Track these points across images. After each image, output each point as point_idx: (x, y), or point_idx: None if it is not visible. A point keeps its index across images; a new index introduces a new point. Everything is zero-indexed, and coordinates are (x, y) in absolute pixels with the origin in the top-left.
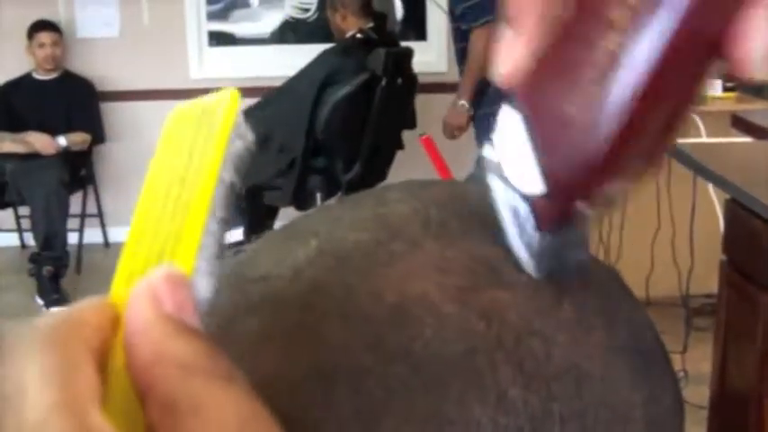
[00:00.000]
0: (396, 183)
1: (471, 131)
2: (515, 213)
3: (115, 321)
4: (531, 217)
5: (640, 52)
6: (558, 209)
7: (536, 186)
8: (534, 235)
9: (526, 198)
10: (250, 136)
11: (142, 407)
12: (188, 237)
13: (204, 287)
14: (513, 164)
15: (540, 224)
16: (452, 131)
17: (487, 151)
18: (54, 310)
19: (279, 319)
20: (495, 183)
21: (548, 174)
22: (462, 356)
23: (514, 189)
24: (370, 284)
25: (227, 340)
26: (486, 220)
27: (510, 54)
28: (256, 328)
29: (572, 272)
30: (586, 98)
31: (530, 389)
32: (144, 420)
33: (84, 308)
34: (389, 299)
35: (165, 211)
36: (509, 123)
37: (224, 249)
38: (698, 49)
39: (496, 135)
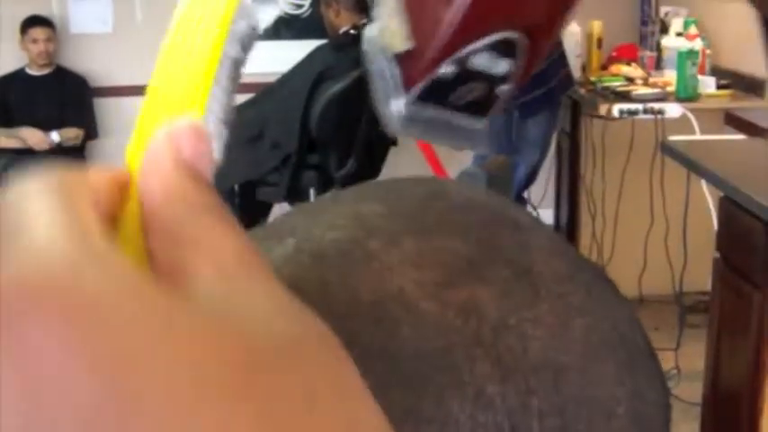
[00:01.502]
0: (376, 181)
1: None
2: (383, 76)
3: (125, 185)
4: (397, 77)
5: None
6: (422, 67)
7: (403, 44)
8: (398, 93)
9: (394, 60)
10: (254, 16)
11: (145, 238)
12: (195, 99)
13: (214, 148)
14: (385, 31)
15: (406, 81)
16: None
17: (368, 29)
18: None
19: None
20: (371, 51)
21: (414, 31)
22: (440, 353)
23: (385, 53)
24: (346, 282)
25: None
26: (464, 217)
27: None
28: None
29: (427, 134)
30: None
31: (507, 384)
32: (145, 249)
33: (93, 170)
34: (366, 297)
35: (175, 82)
36: None
37: (230, 118)
38: None
39: (375, 11)
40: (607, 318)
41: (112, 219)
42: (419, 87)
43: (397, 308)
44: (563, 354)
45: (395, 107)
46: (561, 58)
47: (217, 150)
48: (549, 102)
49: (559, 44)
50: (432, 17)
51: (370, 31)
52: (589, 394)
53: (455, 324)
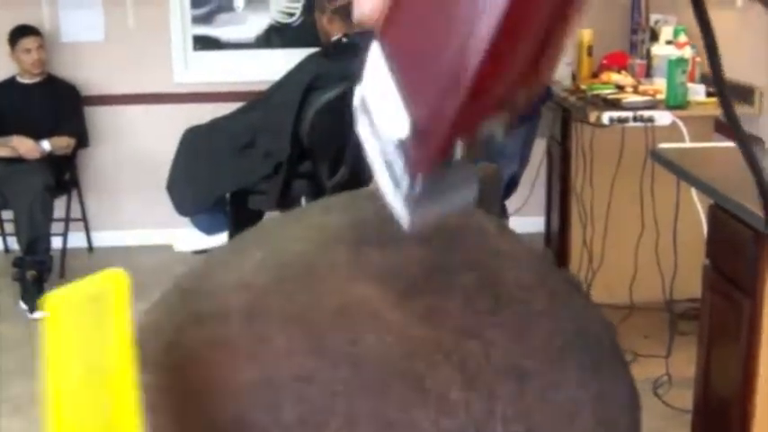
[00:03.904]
0: (342, 193)
1: None
2: (389, 166)
3: None
4: (402, 162)
5: None
6: (432, 147)
7: (403, 128)
8: (407, 182)
9: (397, 144)
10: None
11: None
12: None
13: None
14: (379, 109)
15: (412, 167)
16: None
17: (356, 99)
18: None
19: (224, 329)
20: (364, 133)
21: (414, 112)
22: (402, 359)
23: (384, 137)
24: (310, 291)
25: (177, 351)
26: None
27: None
28: (204, 338)
29: (457, 210)
30: (448, 32)
31: (471, 390)
32: None
33: None
34: (331, 304)
35: (89, 400)
36: (375, 66)
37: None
38: None
39: (365, 80)
40: (571, 322)
41: None
42: (429, 168)
43: (362, 315)
44: (525, 359)
45: (407, 197)
46: None
47: None
48: (528, 116)
49: None
50: (434, 90)
51: (359, 106)
52: (552, 398)
53: (417, 332)
